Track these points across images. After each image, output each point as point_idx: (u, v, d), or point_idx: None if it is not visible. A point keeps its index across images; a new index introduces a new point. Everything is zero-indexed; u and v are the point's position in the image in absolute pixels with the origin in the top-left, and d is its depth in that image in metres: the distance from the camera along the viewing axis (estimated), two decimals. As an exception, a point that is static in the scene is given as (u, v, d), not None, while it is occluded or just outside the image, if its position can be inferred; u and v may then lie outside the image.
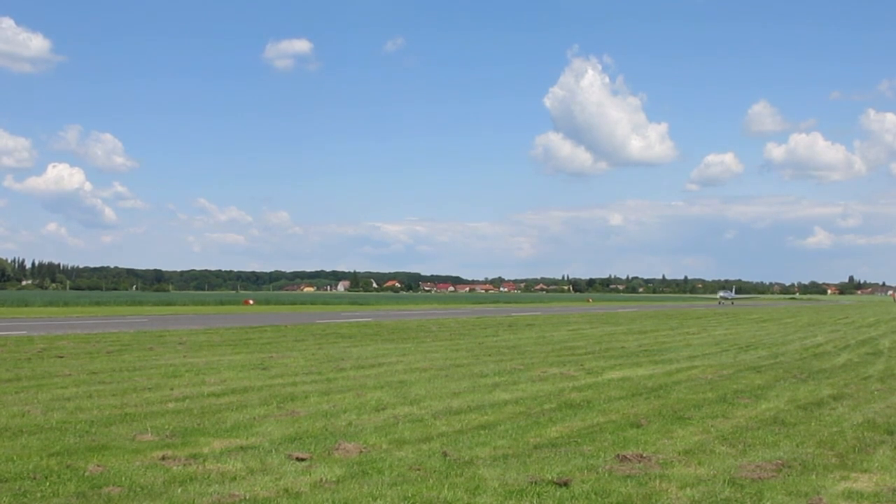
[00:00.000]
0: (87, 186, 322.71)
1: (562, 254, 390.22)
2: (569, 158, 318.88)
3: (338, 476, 7.69)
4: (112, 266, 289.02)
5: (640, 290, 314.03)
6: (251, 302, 75.90)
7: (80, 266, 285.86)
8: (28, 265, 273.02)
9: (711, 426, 10.55)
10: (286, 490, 7.20)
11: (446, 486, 7.38)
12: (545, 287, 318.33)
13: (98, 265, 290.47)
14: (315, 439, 9.35)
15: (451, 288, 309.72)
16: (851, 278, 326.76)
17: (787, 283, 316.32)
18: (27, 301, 67.29)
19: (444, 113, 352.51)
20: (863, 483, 7.76)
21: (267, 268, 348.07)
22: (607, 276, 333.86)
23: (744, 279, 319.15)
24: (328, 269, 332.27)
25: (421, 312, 55.53)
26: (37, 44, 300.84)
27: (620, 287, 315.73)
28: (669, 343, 26.05)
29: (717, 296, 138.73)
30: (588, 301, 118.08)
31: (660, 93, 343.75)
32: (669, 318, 48.03)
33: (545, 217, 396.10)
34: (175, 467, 7.92)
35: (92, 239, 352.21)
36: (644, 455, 8.65)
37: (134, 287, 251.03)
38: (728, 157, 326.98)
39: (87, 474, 7.65)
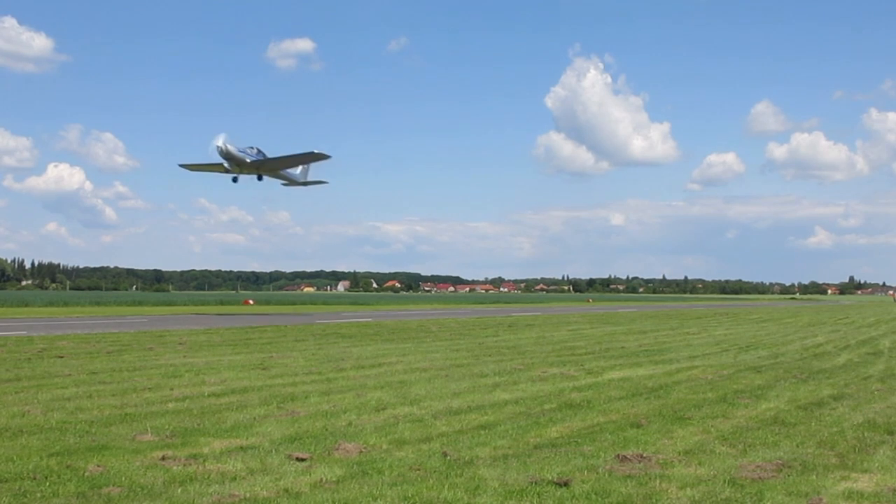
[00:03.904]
0: (88, 186, 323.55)
1: (562, 254, 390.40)
2: (570, 158, 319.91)
3: (338, 476, 7.69)
4: (112, 266, 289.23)
5: (641, 290, 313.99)
6: (251, 302, 75.90)
7: (80, 266, 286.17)
8: (28, 265, 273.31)
9: (711, 426, 10.55)
10: (286, 490, 7.20)
11: (446, 486, 7.37)
12: (545, 287, 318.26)
13: (98, 265, 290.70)
14: (315, 439, 9.35)
15: (452, 288, 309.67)
16: (852, 278, 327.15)
17: (788, 283, 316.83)
18: (27, 301, 67.23)
19: (445, 113, 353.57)
20: (863, 483, 7.75)
21: (267, 268, 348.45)
22: (607, 276, 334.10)
23: (744, 279, 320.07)
24: (328, 269, 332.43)
25: (421, 312, 55.52)
26: (39, 43, 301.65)
27: (620, 287, 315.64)
28: (669, 343, 26.04)
29: None
30: (588, 301, 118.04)
31: (662, 92, 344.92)
32: (669, 319, 48.02)
33: (546, 217, 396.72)
34: (175, 467, 7.92)
35: (92, 239, 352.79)
36: (644, 455, 8.65)
37: (134, 287, 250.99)
38: (730, 157, 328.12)
39: (87, 474, 7.65)
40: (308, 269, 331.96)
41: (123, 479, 7.50)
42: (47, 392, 12.84)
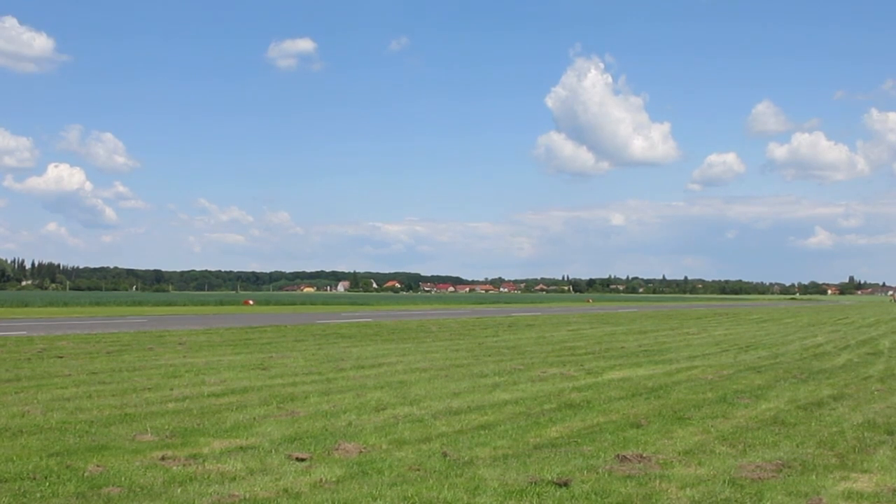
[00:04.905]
0: (88, 186, 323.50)
1: (562, 254, 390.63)
2: (570, 158, 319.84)
3: (338, 476, 7.69)
4: (112, 266, 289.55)
5: (641, 290, 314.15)
6: (251, 302, 75.89)
7: (80, 266, 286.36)
8: (28, 265, 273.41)
9: (711, 426, 10.55)
10: (286, 490, 7.19)
11: (446, 486, 7.37)
12: (545, 287, 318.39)
13: (98, 265, 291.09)
14: (315, 439, 9.35)
15: (452, 288, 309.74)
16: (852, 278, 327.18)
17: (788, 284, 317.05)
18: (27, 301, 67.26)
19: (445, 113, 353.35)
20: (863, 483, 7.75)
21: (267, 268, 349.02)
22: (607, 276, 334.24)
23: (744, 279, 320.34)
24: (328, 269, 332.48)
25: (421, 313, 55.52)
26: (40, 43, 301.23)
27: (620, 287, 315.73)
28: (669, 343, 26.04)
29: None
30: (588, 301, 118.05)
31: (662, 92, 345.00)
32: (669, 319, 48.02)
33: (546, 217, 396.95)
34: (175, 467, 7.92)
35: (92, 239, 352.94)
36: (644, 455, 8.65)
37: (134, 287, 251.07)
38: (730, 157, 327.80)
39: (86, 474, 7.65)
40: (308, 270, 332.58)
41: (123, 479, 7.50)
42: (47, 392, 12.84)
